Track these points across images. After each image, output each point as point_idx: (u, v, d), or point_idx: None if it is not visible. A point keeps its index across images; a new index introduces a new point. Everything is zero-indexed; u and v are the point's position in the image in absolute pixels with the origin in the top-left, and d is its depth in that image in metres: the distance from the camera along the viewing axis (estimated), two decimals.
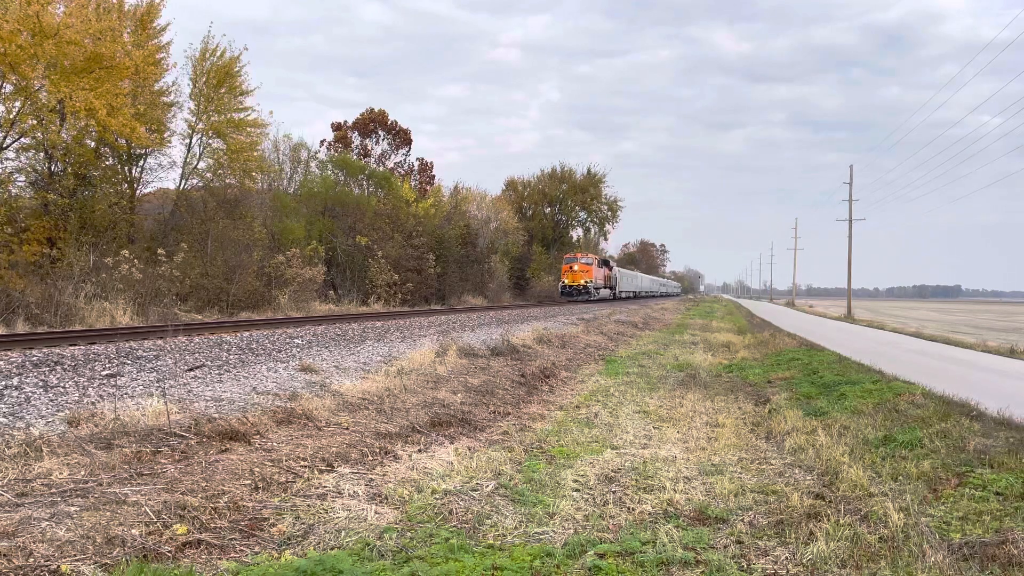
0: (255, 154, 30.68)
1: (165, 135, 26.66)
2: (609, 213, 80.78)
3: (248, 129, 29.68)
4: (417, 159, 53.70)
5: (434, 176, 54.30)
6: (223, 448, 6.72)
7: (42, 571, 4.05)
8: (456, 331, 19.44)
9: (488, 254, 50.80)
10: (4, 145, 21.05)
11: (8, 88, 20.51)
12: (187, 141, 28.51)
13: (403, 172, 51.18)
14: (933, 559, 4.63)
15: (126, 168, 26.49)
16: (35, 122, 21.49)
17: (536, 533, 5.25)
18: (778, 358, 18.10)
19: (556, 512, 5.69)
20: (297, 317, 22.25)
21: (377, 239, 36.34)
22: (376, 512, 5.44)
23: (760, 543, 5.14)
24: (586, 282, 50.07)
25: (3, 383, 8.35)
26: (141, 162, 26.79)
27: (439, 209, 47.23)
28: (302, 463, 6.45)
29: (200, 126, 28.33)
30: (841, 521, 5.39)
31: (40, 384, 8.58)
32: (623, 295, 69.29)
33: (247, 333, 15.20)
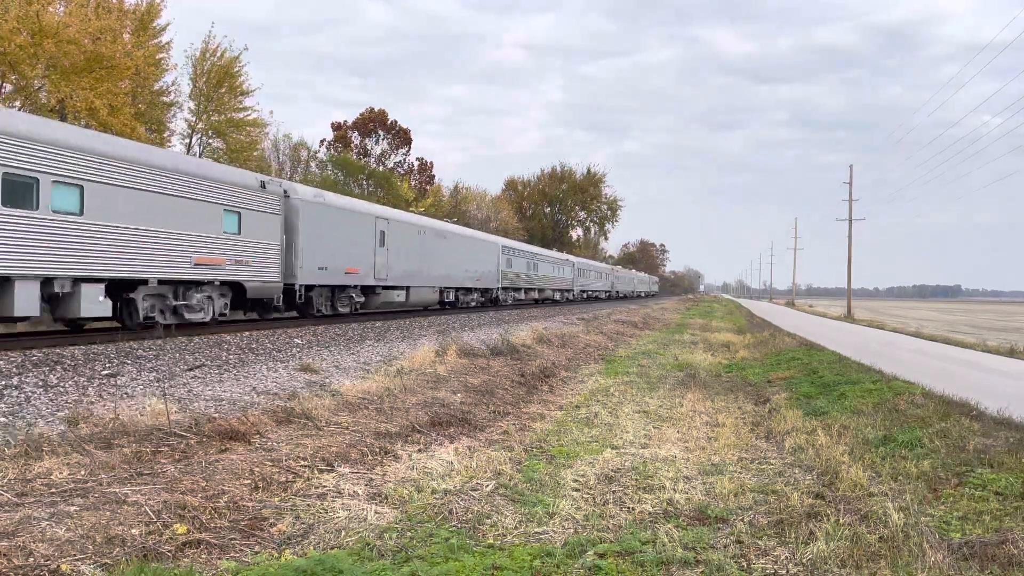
0: (255, 154, 30.74)
1: (165, 134, 26.72)
2: (609, 212, 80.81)
3: (248, 129, 29.74)
4: (417, 159, 53.78)
5: (434, 176, 54.38)
6: (223, 448, 6.72)
7: (42, 571, 4.05)
8: (456, 331, 19.44)
9: None
10: None
11: (8, 88, 20.51)
12: (187, 141, 28.57)
13: (403, 172, 51.20)
14: (933, 559, 4.63)
15: None
16: None
17: (536, 533, 5.25)
18: (778, 358, 18.10)
19: (556, 512, 5.69)
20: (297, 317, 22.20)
21: None
22: (376, 512, 5.44)
23: (760, 543, 5.13)
24: None
25: (3, 383, 8.35)
26: None
27: (439, 208, 47.28)
28: (302, 463, 6.45)
29: (200, 126, 28.39)
30: (841, 521, 5.39)
31: (40, 384, 8.58)
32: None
33: (247, 333, 15.20)
